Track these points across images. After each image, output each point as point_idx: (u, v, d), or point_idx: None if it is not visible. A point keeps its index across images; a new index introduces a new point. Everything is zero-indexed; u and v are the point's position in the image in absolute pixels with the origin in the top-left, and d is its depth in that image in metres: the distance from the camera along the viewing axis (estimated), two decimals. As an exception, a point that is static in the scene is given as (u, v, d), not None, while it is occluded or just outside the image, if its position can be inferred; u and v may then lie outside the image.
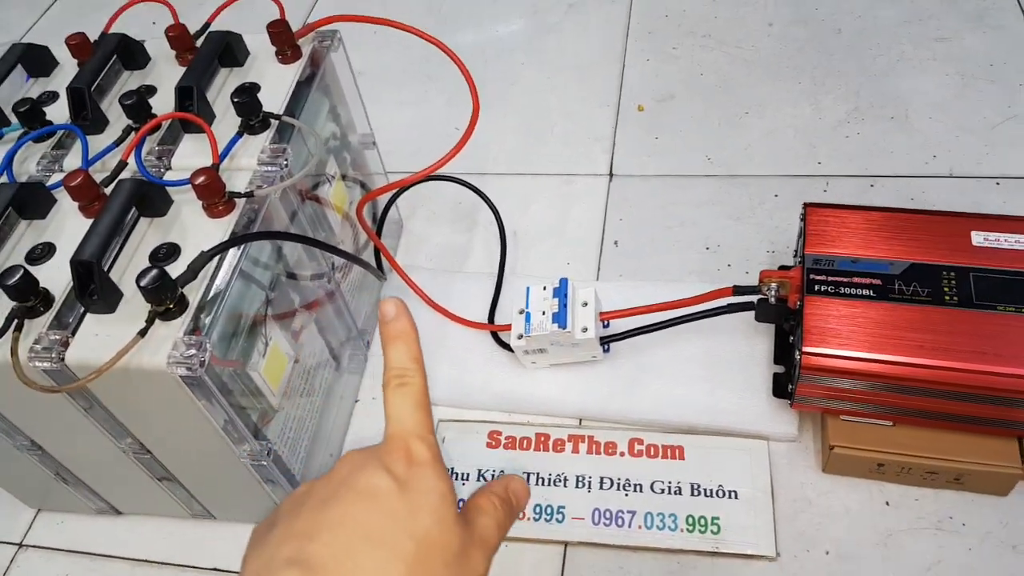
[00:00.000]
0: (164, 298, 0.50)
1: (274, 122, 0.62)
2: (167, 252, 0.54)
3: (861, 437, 0.63)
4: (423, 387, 0.37)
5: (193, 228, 0.56)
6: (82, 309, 0.52)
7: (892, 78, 0.92)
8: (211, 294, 0.52)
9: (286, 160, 0.60)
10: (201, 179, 0.54)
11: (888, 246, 0.64)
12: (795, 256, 0.73)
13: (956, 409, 0.60)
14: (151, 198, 0.56)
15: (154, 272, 0.49)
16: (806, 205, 0.69)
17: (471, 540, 0.34)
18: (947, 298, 0.60)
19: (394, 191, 0.77)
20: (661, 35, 1.04)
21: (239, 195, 0.56)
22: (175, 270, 0.53)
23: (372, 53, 1.06)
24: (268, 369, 0.59)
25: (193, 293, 0.52)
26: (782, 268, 0.75)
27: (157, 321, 0.50)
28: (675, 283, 0.77)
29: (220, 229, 0.55)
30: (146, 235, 0.56)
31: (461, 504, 0.35)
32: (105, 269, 0.52)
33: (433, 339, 0.77)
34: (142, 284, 0.49)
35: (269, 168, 0.59)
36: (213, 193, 0.55)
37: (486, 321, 0.77)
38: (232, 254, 0.54)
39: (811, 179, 0.85)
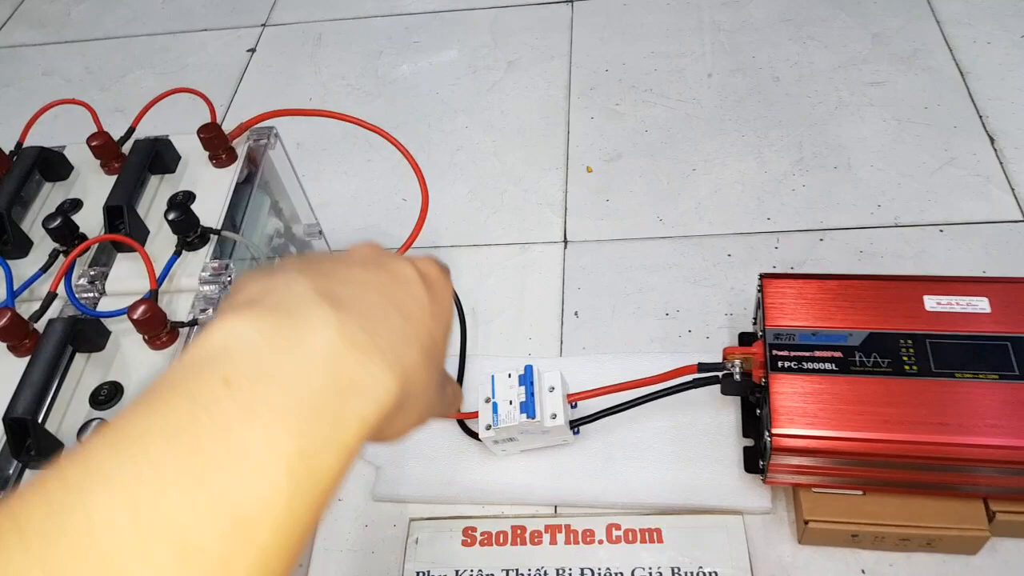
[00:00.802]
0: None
1: (213, 236, 0.60)
2: (108, 393, 0.52)
3: (834, 509, 0.63)
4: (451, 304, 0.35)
5: (135, 363, 0.53)
6: (20, 464, 0.49)
7: (832, 126, 0.94)
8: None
9: (229, 277, 0.57)
10: (139, 313, 0.52)
11: (845, 315, 0.65)
12: (754, 322, 0.74)
13: (923, 478, 0.60)
14: (87, 333, 0.54)
15: (96, 425, 0.47)
16: (762, 277, 0.69)
17: (444, 382, 0.33)
18: (907, 367, 0.61)
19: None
20: (603, 91, 1.04)
21: (182, 324, 0.54)
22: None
23: (310, 123, 1.04)
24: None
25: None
26: (742, 336, 0.75)
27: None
28: (639, 355, 0.77)
29: (165, 363, 0.53)
30: (84, 374, 0.53)
31: None
32: (41, 420, 0.49)
33: (397, 431, 0.75)
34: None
35: (211, 287, 0.57)
36: (154, 326, 0.52)
37: (450, 408, 0.75)
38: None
39: (762, 236, 0.85)
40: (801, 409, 0.60)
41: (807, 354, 0.63)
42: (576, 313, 0.82)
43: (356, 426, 0.24)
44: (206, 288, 0.57)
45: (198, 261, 0.58)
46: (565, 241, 0.89)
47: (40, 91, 1.19)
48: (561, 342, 0.81)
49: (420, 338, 0.28)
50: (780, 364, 0.63)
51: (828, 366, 0.62)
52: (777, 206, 0.88)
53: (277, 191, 0.72)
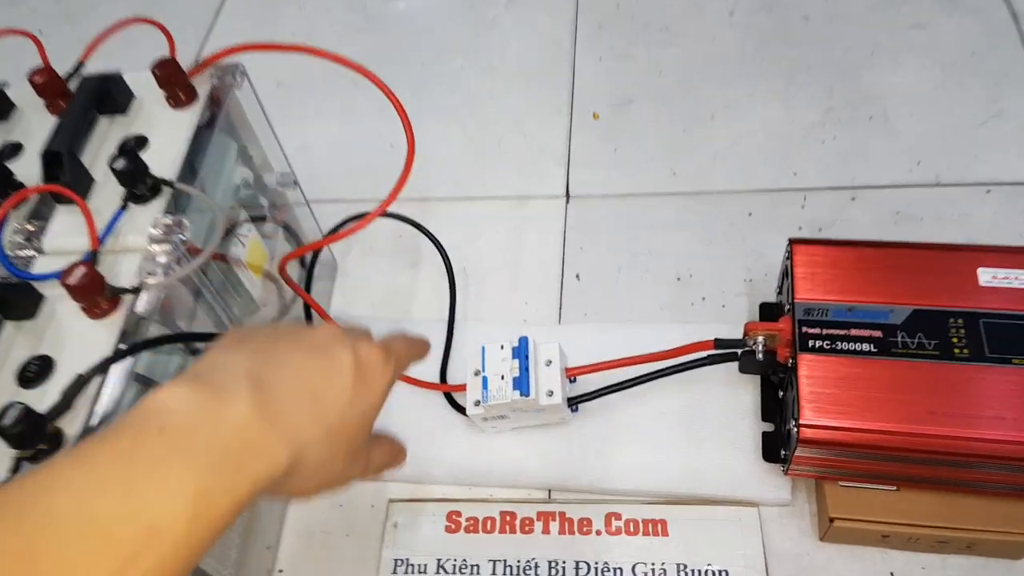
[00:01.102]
0: (31, 440, 0.40)
1: (167, 188, 0.52)
2: (38, 370, 0.44)
3: (863, 506, 0.56)
4: (422, 353, 0.48)
5: (70, 334, 0.46)
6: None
7: (867, 72, 0.85)
8: (96, 421, 0.43)
9: (183, 235, 0.50)
10: (74, 278, 0.44)
11: (887, 289, 0.57)
12: (778, 292, 0.66)
13: (970, 476, 0.53)
14: (16, 299, 0.46)
15: (17, 411, 0.39)
16: (792, 242, 0.61)
17: (363, 455, 0.40)
18: (956, 351, 0.53)
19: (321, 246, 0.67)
20: (613, 29, 0.94)
21: (124, 291, 0.46)
22: (47, 395, 0.43)
23: (291, 61, 0.95)
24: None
25: (72, 423, 0.42)
26: (764, 308, 0.67)
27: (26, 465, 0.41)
28: (646, 324, 0.69)
29: (104, 334, 0.46)
30: (13, 345, 0.46)
31: None
32: (-43, 402, 0.42)
33: (378, 403, 0.68)
34: (5, 426, 0.39)
35: (162, 247, 0.49)
36: (91, 293, 0.45)
37: (437, 378, 0.68)
38: (121, 366, 0.44)
39: (787, 193, 0.77)
40: (833, 396, 0.53)
41: (841, 332, 0.56)
42: (577, 275, 0.75)
43: (249, 481, 0.31)
44: (156, 248, 0.49)
45: (148, 215, 0.50)
46: (567, 195, 0.81)
47: (5, 21, 1.09)
48: (560, 307, 0.73)
49: (327, 420, 0.35)
50: (810, 343, 0.55)
51: (865, 347, 0.55)
52: (804, 160, 0.79)
53: (245, 136, 0.63)
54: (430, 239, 0.73)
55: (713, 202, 0.77)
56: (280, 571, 0.63)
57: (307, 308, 0.69)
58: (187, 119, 0.56)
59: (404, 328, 0.49)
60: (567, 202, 0.80)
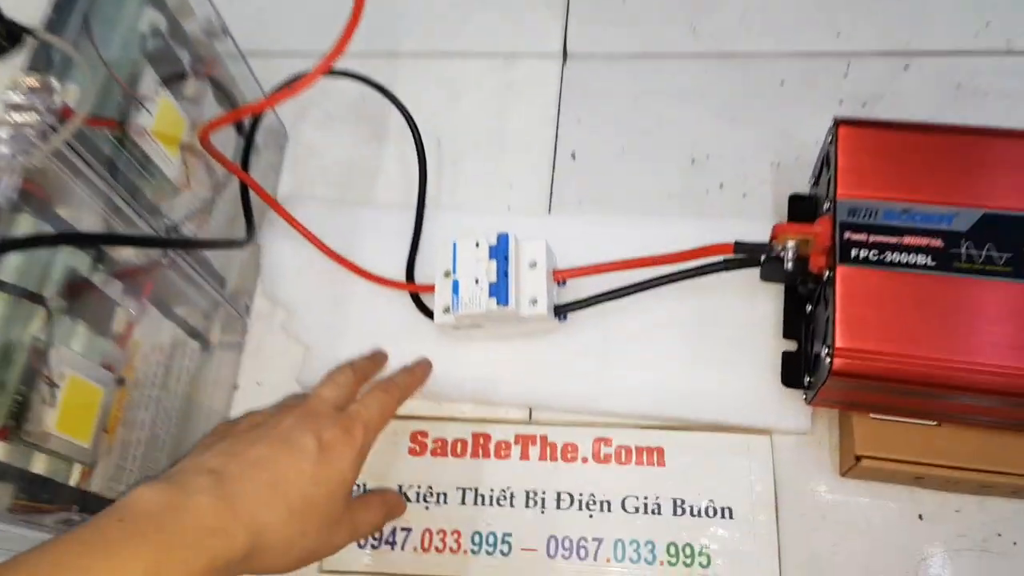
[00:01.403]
0: None
1: (28, 37, 0.39)
2: None
3: (896, 442, 0.48)
4: (396, 405, 0.47)
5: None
6: None
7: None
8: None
9: (56, 102, 0.38)
10: None
11: (952, 187, 0.46)
12: (812, 182, 0.55)
13: (1031, 417, 0.45)
14: None
15: None
16: (837, 123, 0.49)
17: (347, 521, 0.43)
18: (1035, 268, 0.43)
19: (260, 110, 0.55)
20: None
21: (-34, 177, 0.35)
22: None
23: None
24: (65, 422, 0.41)
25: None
26: (794, 201, 0.56)
27: None
28: (651, 216, 0.59)
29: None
30: None
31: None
32: None
33: (332, 303, 0.59)
34: None
35: (27, 116, 0.37)
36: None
37: (403, 276, 0.58)
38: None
39: (827, 58, 0.64)
40: (877, 319, 0.44)
41: (893, 240, 0.45)
42: (573, 154, 0.63)
43: (205, 558, 0.35)
44: (18, 117, 0.37)
45: (3, 75, 0.38)
46: (564, 54, 0.67)
47: None
48: (551, 193, 0.62)
49: (287, 501, 0.39)
50: (853, 253, 0.45)
51: (921, 259, 0.45)
52: (850, 18, 0.65)
53: (154, -33, 0.50)
54: (396, 105, 0.60)
55: (739, 68, 0.65)
56: (220, 491, 0.55)
57: (244, 189, 0.58)
58: (64, -59, 0.43)
59: (378, 350, 0.54)
60: (564, 62, 0.67)
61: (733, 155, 0.61)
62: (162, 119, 0.49)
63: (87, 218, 0.45)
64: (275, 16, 0.72)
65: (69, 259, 0.43)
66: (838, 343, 0.43)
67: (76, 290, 0.44)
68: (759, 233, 0.55)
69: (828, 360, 0.43)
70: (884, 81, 0.63)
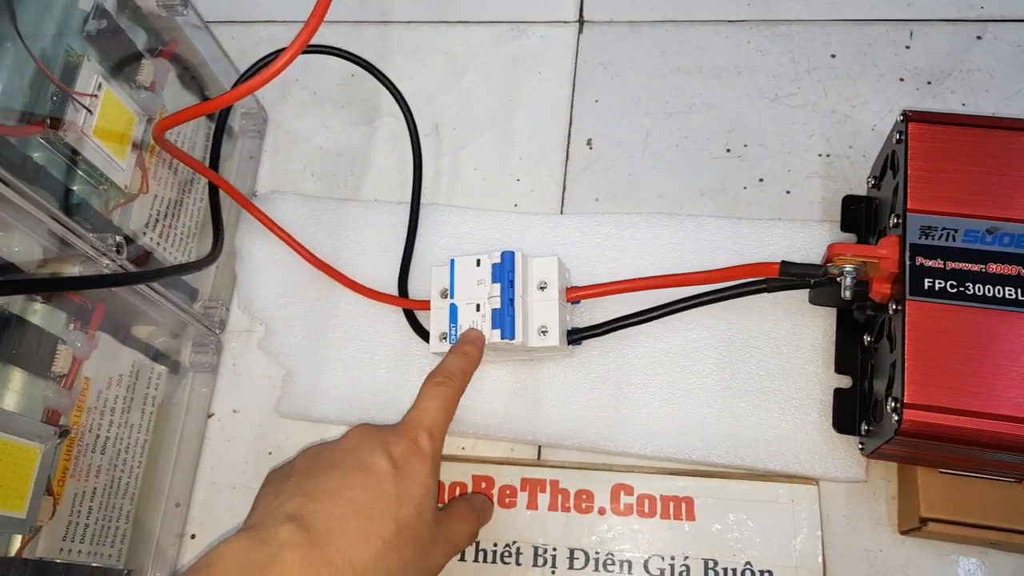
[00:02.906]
0: None
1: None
2: None
3: (968, 503, 0.40)
4: (458, 395, 0.41)
5: None
6: None
7: None
8: None
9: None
10: None
11: (1052, 201, 0.38)
12: (871, 182, 0.47)
13: None
14: None
15: None
16: (907, 118, 0.41)
17: (442, 537, 0.39)
18: None
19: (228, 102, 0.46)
20: None
21: None
22: None
23: None
24: None
25: None
26: (849, 203, 0.48)
27: None
28: (679, 217, 0.51)
29: None
30: None
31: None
32: None
33: (315, 318, 0.52)
34: None
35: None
36: None
37: (396, 286, 0.51)
38: None
39: (886, 25, 0.55)
40: (957, 367, 0.36)
41: (976, 268, 0.37)
42: (589, 142, 0.55)
43: None
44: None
45: None
46: (581, 20, 0.59)
47: None
48: (564, 188, 0.54)
49: (381, 532, 0.35)
50: (927, 283, 0.37)
51: (1011, 293, 0.37)
52: (916, -23, 0.56)
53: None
54: (386, 86, 0.52)
55: (783, 36, 0.55)
56: (192, 536, 0.49)
57: (212, 190, 0.51)
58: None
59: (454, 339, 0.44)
60: (580, 31, 0.58)
61: (775, 144, 0.53)
62: (106, 116, 0.42)
63: (18, 242, 0.38)
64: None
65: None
66: (908, 397, 0.36)
67: (5, 330, 0.37)
68: (806, 238, 0.48)
69: (896, 417, 0.36)
70: (953, 54, 0.53)
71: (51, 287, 0.40)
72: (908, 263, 0.38)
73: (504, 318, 0.43)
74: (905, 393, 0.36)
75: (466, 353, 0.42)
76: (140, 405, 0.47)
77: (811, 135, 0.52)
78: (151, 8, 0.47)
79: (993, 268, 0.37)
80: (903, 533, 0.43)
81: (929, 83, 0.53)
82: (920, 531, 0.41)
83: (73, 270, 0.41)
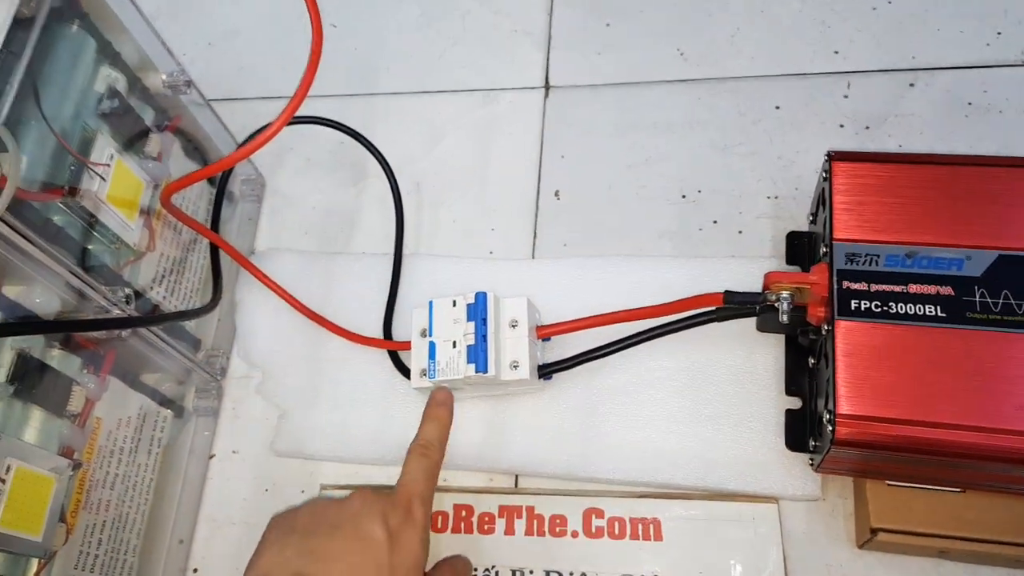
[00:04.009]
0: None
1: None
2: None
3: (916, 513, 0.43)
4: (439, 463, 0.44)
5: None
6: None
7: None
8: None
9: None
10: None
11: (961, 224, 0.42)
12: (810, 218, 0.51)
13: (1063, 482, 0.40)
14: None
15: None
16: (831, 157, 0.45)
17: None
18: (1059, 319, 0.39)
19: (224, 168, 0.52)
20: None
21: None
22: None
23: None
24: (10, 518, 0.39)
25: None
26: (792, 239, 0.52)
27: None
28: (641, 258, 0.55)
29: None
30: None
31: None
32: None
33: (308, 363, 0.56)
34: None
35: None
36: None
37: (380, 331, 0.55)
38: None
39: (826, 79, 0.60)
40: (884, 380, 0.40)
41: (897, 289, 0.41)
42: (557, 193, 0.60)
43: None
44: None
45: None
46: (547, 86, 0.64)
47: None
48: (534, 235, 0.58)
49: None
50: (853, 304, 0.41)
51: (930, 310, 0.41)
52: (849, 33, 0.61)
53: (108, 23, 0.47)
54: (369, 150, 0.57)
55: (731, 92, 0.61)
56: (195, 570, 0.52)
57: (213, 248, 0.55)
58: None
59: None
60: (546, 95, 0.64)
61: (727, 189, 0.57)
62: (118, 183, 0.47)
63: (39, 294, 0.43)
64: (253, 60, 0.70)
65: (17, 339, 0.41)
66: (840, 409, 0.39)
67: (26, 372, 0.41)
68: (757, 273, 0.51)
69: (831, 428, 0.39)
70: (888, 101, 0.58)
71: (66, 328, 0.44)
72: (836, 287, 0.42)
73: (478, 353, 0.46)
74: (838, 405, 0.39)
75: (438, 419, 0.45)
76: (147, 446, 0.51)
77: (759, 179, 0.57)
78: (158, 88, 0.52)
79: (913, 288, 0.41)
80: (860, 547, 0.46)
81: (867, 128, 0.58)
82: (873, 542, 0.44)
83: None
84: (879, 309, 0.41)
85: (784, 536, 0.46)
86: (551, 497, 0.49)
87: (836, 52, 0.61)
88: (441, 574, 0.44)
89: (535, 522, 0.49)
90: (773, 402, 0.49)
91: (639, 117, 0.61)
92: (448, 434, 0.45)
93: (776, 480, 0.47)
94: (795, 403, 0.48)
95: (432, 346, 0.48)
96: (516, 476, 0.51)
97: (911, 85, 0.59)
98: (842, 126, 0.58)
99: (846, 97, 0.59)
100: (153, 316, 0.49)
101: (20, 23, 0.40)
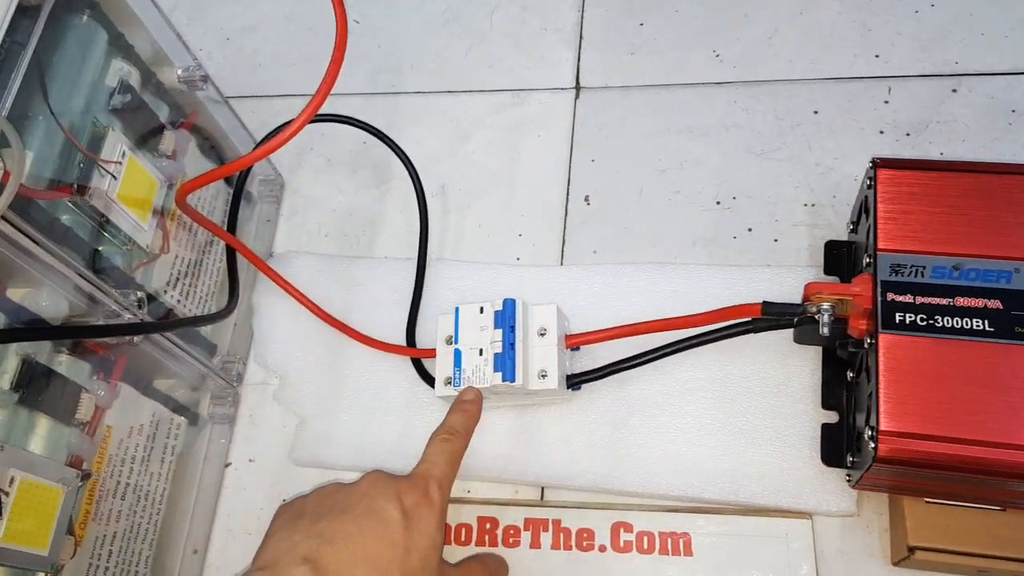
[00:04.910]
0: None
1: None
2: None
3: (955, 531, 0.41)
4: (462, 450, 0.42)
5: None
6: None
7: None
8: None
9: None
10: None
11: (1010, 235, 0.40)
12: (850, 226, 0.49)
13: (1120, 509, 0.38)
14: None
15: None
16: (876, 164, 0.43)
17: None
18: (1118, 336, 0.37)
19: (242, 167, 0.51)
20: None
21: None
22: None
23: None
24: (14, 532, 0.37)
25: None
26: (831, 248, 0.51)
27: None
28: (674, 266, 0.53)
29: None
30: None
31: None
32: None
33: (327, 369, 0.54)
34: None
35: (-41, 203, 0.34)
36: None
37: (403, 338, 0.54)
38: None
39: (865, 83, 0.58)
40: (928, 396, 0.38)
41: (943, 302, 0.39)
42: (587, 198, 0.58)
43: None
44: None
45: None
46: (577, 87, 0.63)
47: None
48: (563, 242, 0.57)
49: None
50: (898, 317, 0.39)
51: (977, 324, 0.39)
52: (890, 37, 0.60)
53: (122, 16, 0.46)
54: (393, 150, 0.56)
55: (767, 95, 0.59)
56: (209, 579, 0.51)
57: (229, 251, 0.54)
58: None
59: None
60: (576, 96, 0.62)
61: (763, 195, 0.55)
62: (130, 182, 0.46)
63: (46, 297, 0.41)
64: (273, 57, 0.69)
65: (23, 344, 0.40)
66: (882, 425, 0.37)
67: (32, 379, 0.40)
68: (792, 283, 0.50)
69: (872, 445, 0.38)
70: (929, 107, 0.56)
71: (74, 335, 0.42)
72: (880, 299, 0.40)
73: (505, 362, 0.45)
74: (880, 422, 0.38)
75: (466, 410, 0.44)
76: (160, 455, 0.50)
77: (796, 186, 0.55)
78: (173, 84, 0.51)
79: (960, 301, 0.39)
80: (896, 564, 0.44)
81: (908, 135, 0.56)
82: (909, 560, 0.42)
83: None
84: (924, 323, 0.39)
85: (817, 553, 0.45)
86: (578, 510, 0.48)
87: (877, 56, 0.59)
88: (471, 570, 0.43)
89: (561, 535, 0.47)
90: (808, 416, 0.47)
91: (672, 120, 0.59)
92: (474, 427, 0.44)
93: (810, 495, 0.45)
94: (831, 417, 0.46)
95: (458, 354, 0.47)
96: (542, 488, 0.50)
97: (954, 91, 0.57)
98: (882, 132, 0.56)
99: (886, 102, 0.57)
100: (166, 321, 0.48)
101: (25, 11, 0.39)
